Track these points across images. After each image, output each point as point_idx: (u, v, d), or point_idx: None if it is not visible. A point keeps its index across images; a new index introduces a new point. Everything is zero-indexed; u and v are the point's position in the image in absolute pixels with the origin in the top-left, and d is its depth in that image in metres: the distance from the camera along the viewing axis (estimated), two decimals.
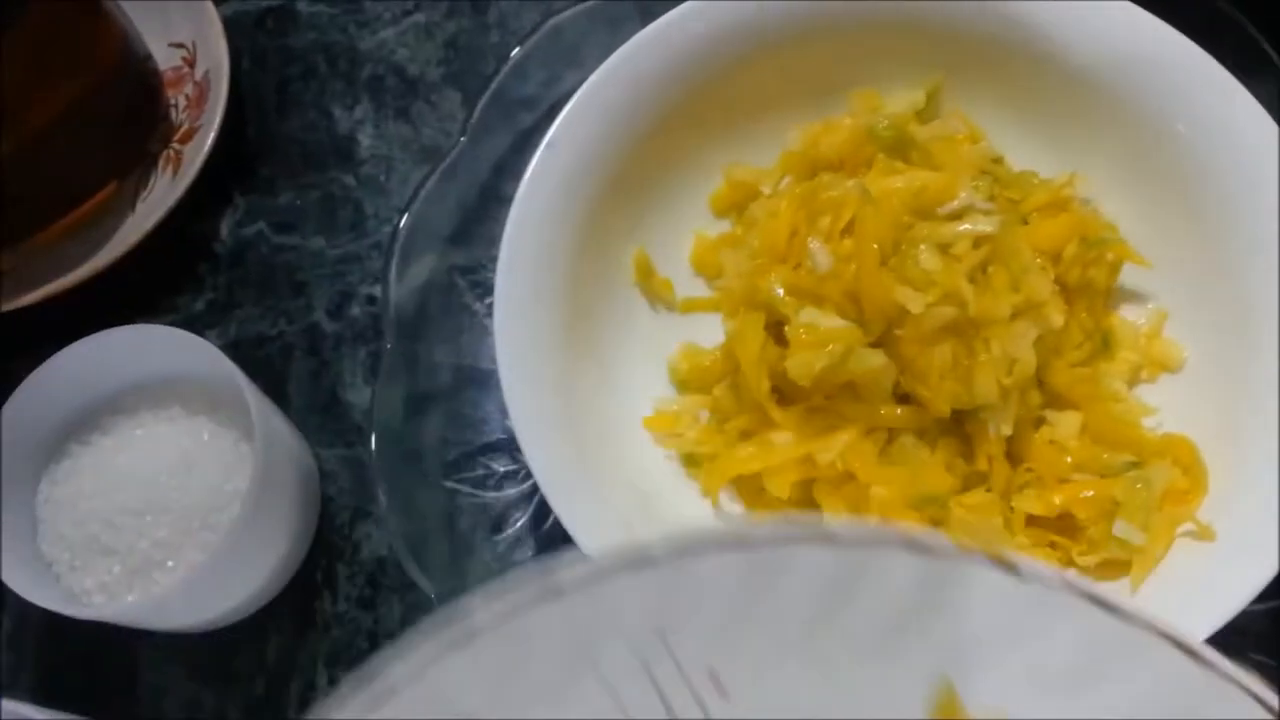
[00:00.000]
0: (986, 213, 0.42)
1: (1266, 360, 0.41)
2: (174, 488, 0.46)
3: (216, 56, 0.56)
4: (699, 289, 0.49)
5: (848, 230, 0.42)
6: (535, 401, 0.42)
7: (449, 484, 0.47)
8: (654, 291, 0.48)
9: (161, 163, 0.56)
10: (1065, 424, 0.42)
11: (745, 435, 0.43)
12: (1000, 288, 0.41)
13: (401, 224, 0.49)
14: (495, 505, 0.47)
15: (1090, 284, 0.44)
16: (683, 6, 0.46)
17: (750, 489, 0.44)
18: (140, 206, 0.55)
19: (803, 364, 0.40)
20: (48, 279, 0.52)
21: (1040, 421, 0.43)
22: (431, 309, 0.49)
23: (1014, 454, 0.42)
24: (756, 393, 0.42)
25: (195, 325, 0.54)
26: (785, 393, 0.43)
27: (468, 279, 0.50)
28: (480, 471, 0.48)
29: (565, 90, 0.47)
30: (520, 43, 0.51)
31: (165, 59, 0.59)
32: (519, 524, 0.47)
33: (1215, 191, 0.43)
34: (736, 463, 0.43)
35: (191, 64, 0.58)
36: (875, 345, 0.41)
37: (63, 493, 0.47)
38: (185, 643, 0.48)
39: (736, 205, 0.49)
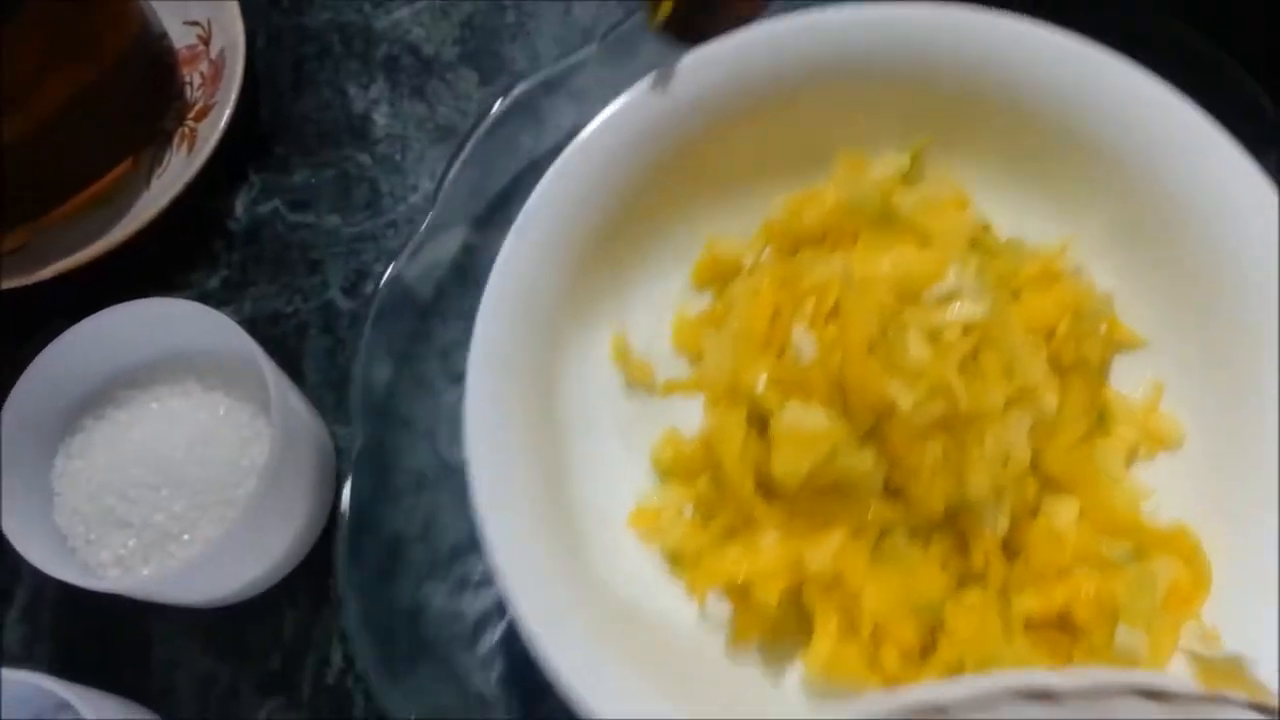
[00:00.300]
0: (976, 294, 0.40)
1: (1268, 435, 0.39)
2: (190, 462, 0.46)
3: (232, 34, 0.57)
4: (682, 367, 0.47)
5: (833, 314, 0.40)
6: (505, 501, 0.40)
7: (424, 589, 0.45)
8: (633, 375, 0.46)
9: (176, 140, 0.57)
10: (1063, 512, 0.41)
11: (731, 533, 0.42)
12: (992, 376, 0.39)
13: (374, 304, 0.48)
14: (472, 614, 0.45)
15: (1085, 360, 0.42)
16: (652, 76, 0.44)
17: (738, 590, 0.42)
18: (155, 183, 0.56)
19: (788, 466, 0.38)
20: (63, 255, 0.53)
21: (1037, 510, 0.41)
22: (405, 394, 0.48)
23: (1011, 545, 0.41)
24: (740, 491, 0.40)
25: (210, 302, 0.53)
26: (771, 486, 0.41)
27: (442, 364, 0.48)
28: (457, 574, 0.46)
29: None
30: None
31: (180, 36, 0.59)
32: (499, 633, 0.45)
33: (1212, 256, 0.41)
34: (723, 567, 0.41)
35: (207, 42, 0.59)
36: (865, 437, 0.39)
37: (78, 466, 0.47)
38: (200, 617, 0.48)
39: (719, 278, 0.47)
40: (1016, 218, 0.45)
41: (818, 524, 0.40)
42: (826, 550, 0.39)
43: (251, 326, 0.53)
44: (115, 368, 0.48)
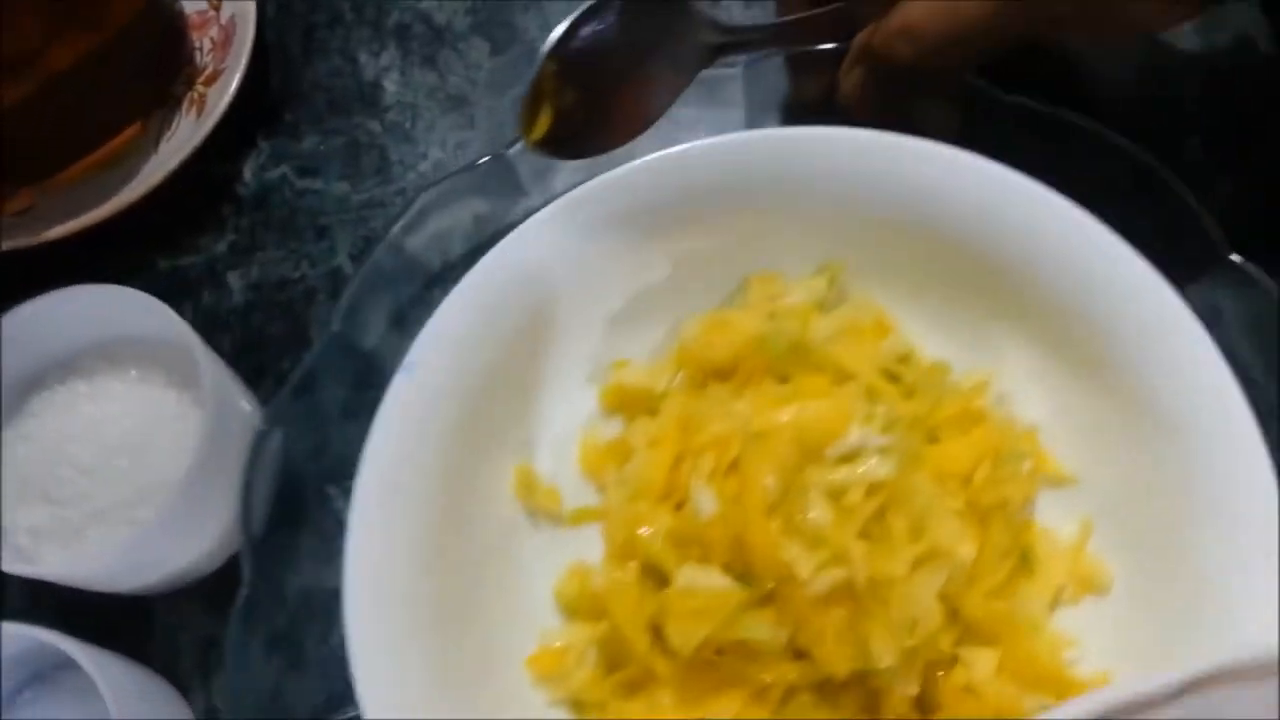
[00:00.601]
0: (882, 450, 0.38)
1: (1195, 578, 0.37)
2: (124, 449, 0.46)
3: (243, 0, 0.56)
4: (593, 494, 0.45)
5: (734, 467, 0.38)
6: (386, 647, 0.38)
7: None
8: (539, 506, 0.44)
9: (185, 105, 0.57)
10: (981, 664, 0.39)
11: (634, 687, 0.40)
12: (898, 538, 0.37)
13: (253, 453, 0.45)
14: None
15: (1006, 502, 0.40)
16: (552, 206, 0.43)
17: None
18: (163, 147, 0.55)
19: (682, 634, 0.37)
20: (69, 218, 0.53)
21: (954, 660, 0.39)
22: (294, 526, 0.45)
23: (925, 701, 0.39)
24: (638, 650, 0.39)
25: (217, 266, 0.55)
26: (672, 645, 0.39)
27: (340, 486, 0.45)
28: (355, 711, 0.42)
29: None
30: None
31: (191, 2, 0.59)
32: None
33: (1137, 392, 0.39)
34: None
35: (217, 7, 0.58)
36: (765, 600, 0.37)
37: (12, 449, 0.47)
38: (203, 581, 0.48)
39: (627, 405, 0.45)
40: (942, 341, 0.44)
41: (720, 682, 0.38)
42: (727, 711, 0.38)
43: (258, 292, 0.53)
44: (54, 353, 0.48)
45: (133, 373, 0.48)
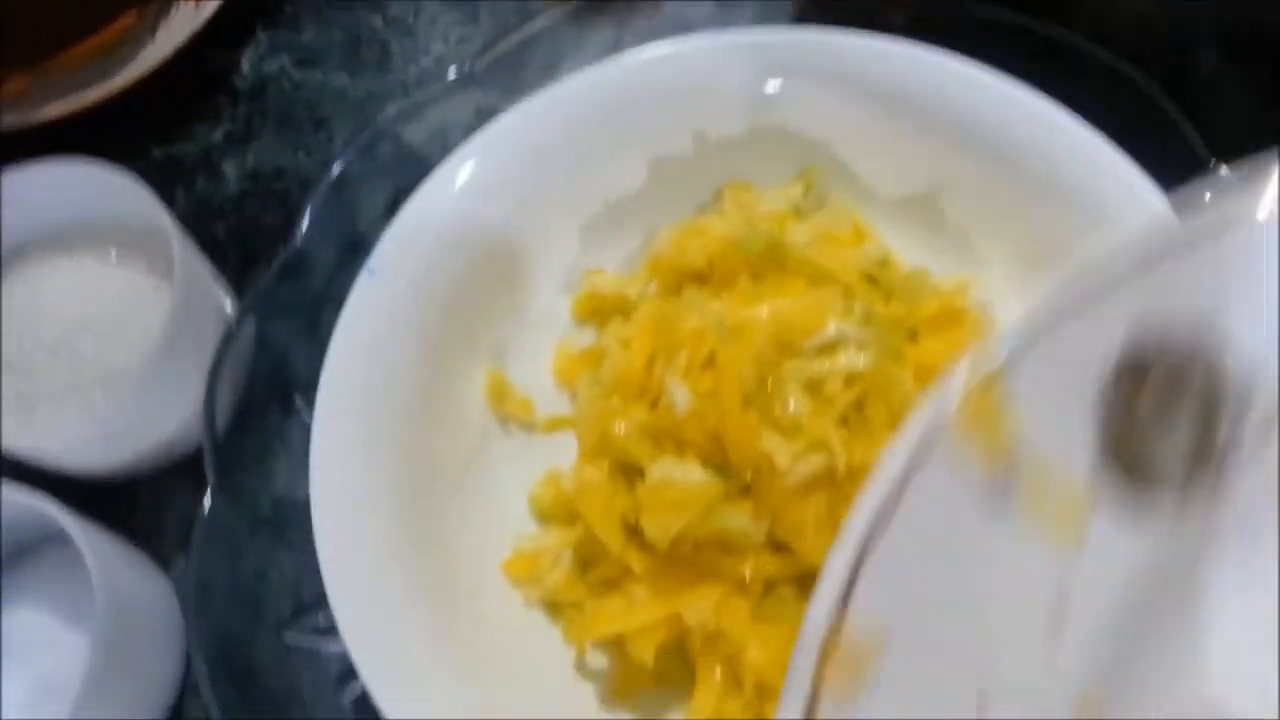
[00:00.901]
0: (860, 343, 0.38)
1: None
2: (91, 330, 0.45)
3: None
4: (566, 402, 0.44)
5: (709, 363, 0.38)
6: (355, 553, 0.38)
7: (290, 635, 0.43)
8: (511, 414, 0.44)
9: None
10: None
11: (610, 584, 0.40)
12: (878, 427, 0.37)
13: (229, 335, 0.45)
14: (340, 659, 0.41)
15: None
16: (532, 99, 0.43)
17: (617, 646, 0.40)
18: (160, 35, 0.54)
19: (658, 526, 0.36)
20: (65, 99, 0.52)
21: None
22: (270, 433, 0.45)
23: None
24: (612, 547, 0.38)
25: (212, 155, 0.54)
26: (648, 538, 0.38)
27: (308, 397, 0.44)
28: (322, 621, 0.42)
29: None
30: None
31: None
32: None
33: None
34: (599, 622, 0.39)
35: None
36: (743, 493, 0.37)
37: None
38: (190, 460, 0.47)
39: (600, 314, 0.45)
40: (920, 251, 0.43)
41: (697, 577, 0.38)
42: (705, 604, 0.37)
43: (253, 181, 0.53)
44: (34, 227, 0.47)
45: (113, 254, 0.47)
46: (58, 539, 0.42)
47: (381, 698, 0.36)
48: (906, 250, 0.44)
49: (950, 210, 0.44)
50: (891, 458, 0.28)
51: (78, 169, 0.45)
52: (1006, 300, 0.42)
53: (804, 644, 0.26)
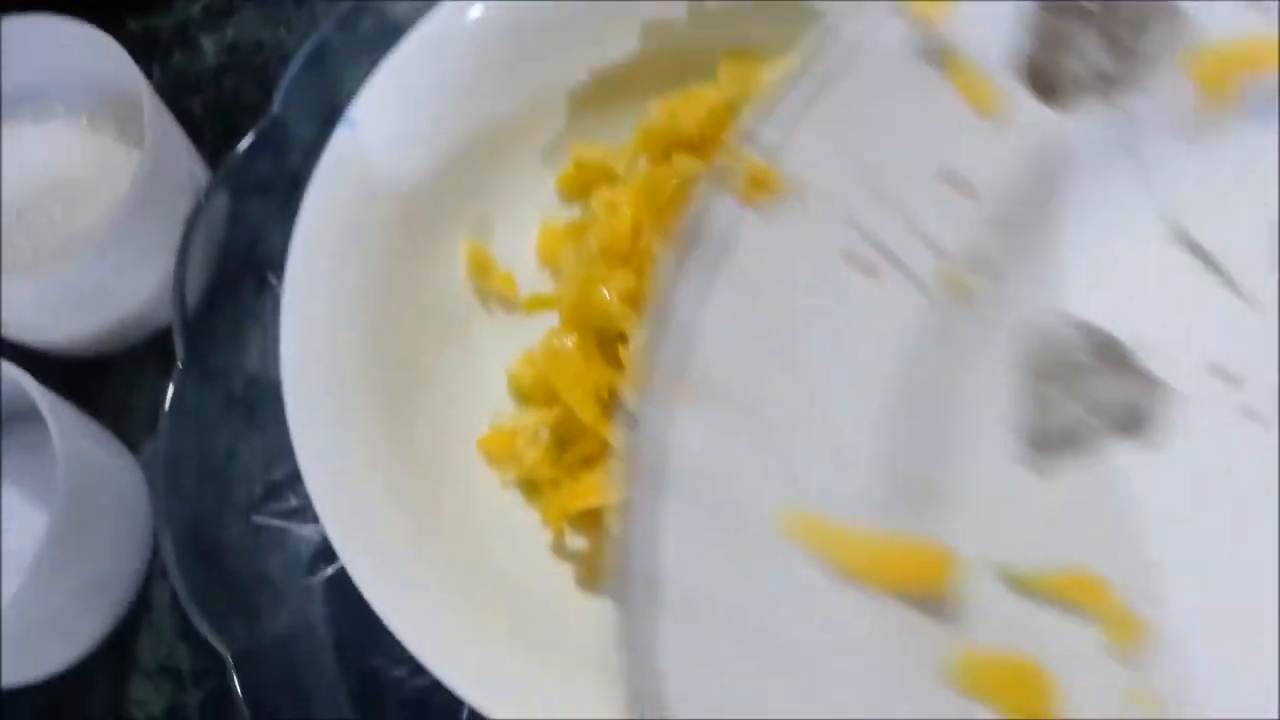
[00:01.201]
0: None
1: None
2: (60, 196, 0.45)
3: None
4: (549, 283, 0.43)
5: None
6: (330, 436, 0.37)
7: (259, 517, 0.42)
8: (493, 290, 0.43)
9: None
10: None
11: (588, 462, 0.38)
12: None
13: (199, 207, 0.43)
14: (310, 541, 0.42)
15: None
16: None
17: (594, 522, 0.39)
18: None
19: None
20: None
21: None
22: (243, 310, 0.44)
23: None
24: (585, 418, 0.37)
25: (190, 29, 0.52)
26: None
27: (282, 273, 0.43)
28: (295, 502, 0.42)
29: None
30: None
31: None
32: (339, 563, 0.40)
33: None
34: (576, 496, 0.38)
35: None
36: None
37: None
38: (159, 335, 0.47)
39: (587, 189, 0.43)
40: None
41: None
42: None
43: (232, 54, 0.52)
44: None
45: (83, 120, 0.46)
46: (26, 416, 0.41)
47: (358, 576, 0.35)
48: None
49: None
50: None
51: (52, 25, 0.43)
52: None
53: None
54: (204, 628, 0.38)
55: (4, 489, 0.44)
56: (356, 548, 0.35)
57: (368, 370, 0.38)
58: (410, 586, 0.35)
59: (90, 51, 0.43)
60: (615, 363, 0.38)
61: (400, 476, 0.37)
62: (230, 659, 0.38)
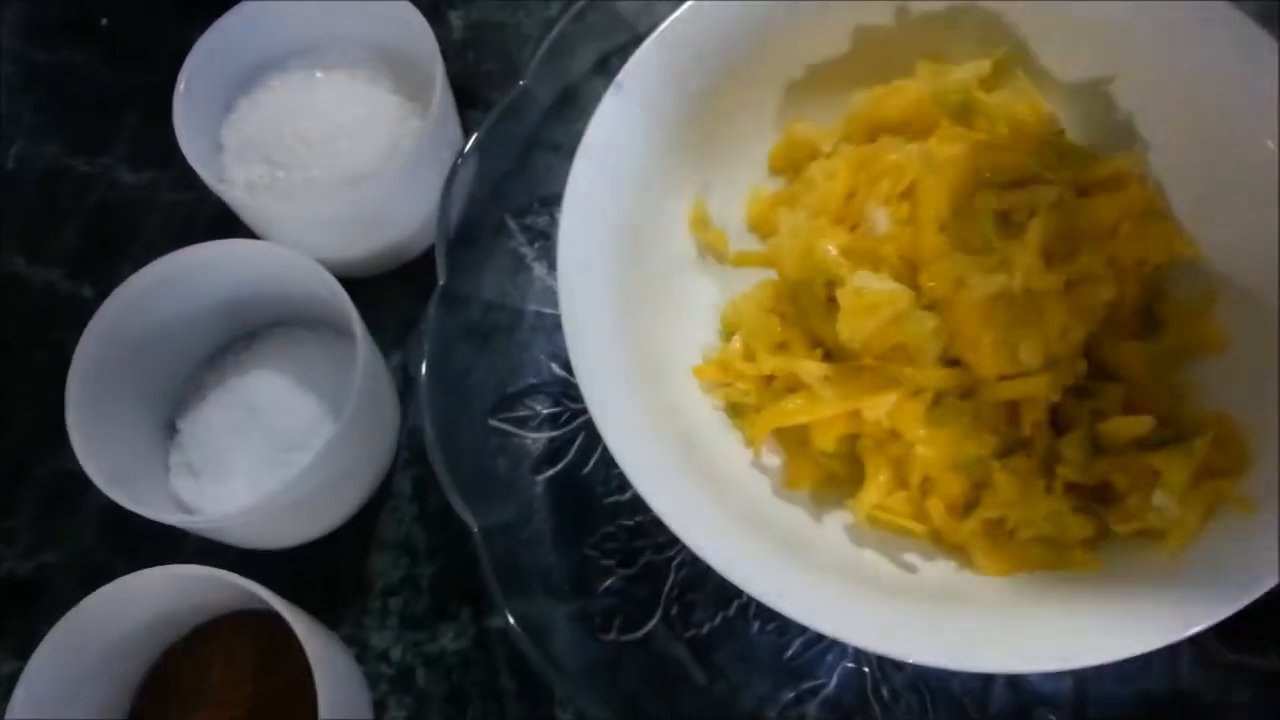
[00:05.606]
0: (1047, 183, 0.42)
1: None
2: (347, 133, 0.51)
3: None
4: (752, 245, 0.49)
5: (907, 194, 0.41)
6: (595, 342, 0.42)
7: (493, 423, 0.49)
8: (708, 243, 0.48)
9: None
10: (1109, 395, 0.42)
11: (791, 389, 0.43)
12: (1056, 258, 0.40)
13: (460, 161, 0.50)
14: (536, 446, 0.49)
15: (1143, 262, 0.44)
16: None
17: (793, 441, 0.44)
18: None
19: (853, 327, 0.40)
20: None
21: (1085, 392, 0.43)
22: (483, 249, 0.51)
23: (1058, 422, 0.43)
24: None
25: (440, 5, 0.59)
26: (835, 353, 0.43)
27: (518, 221, 0.52)
28: (523, 412, 0.49)
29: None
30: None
31: None
32: (561, 465, 0.49)
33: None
34: (783, 414, 0.43)
35: None
36: (929, 307, 0.41)
37: (244, 114, 0.53)
38: (405, 271, 0.54)
39: (794, 163, 0.49)
40: (1089, 136, 0.47)
41: (878, 385, 0.42)
42: (884, 405, 0.41)
43: (476, 31, 0.59)
44: (296, 41, 0.53)
45: (362, 74, 0.53)
46: (281, 327, 0.49)
47: (611, 442, 0.40)
48: (1076, 134, 0.47)
49: (1120, 97, 0.47)
50: None
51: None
52: (1167, 183, 0.45)
53: None
54: (457, 504, 0.45)
55: (281, 376, 0.50)
56: (608, 419, 0.40)
57: (618, 300, 0.43)
58: (647, 465, 0.40)
59: (387, 17, 0.51)
60: (816, 310, 0.43)
61: (638, 384, 0.42)
62: (478, 532, 0.44)
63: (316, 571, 0.50)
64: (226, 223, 0.53)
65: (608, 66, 0.52)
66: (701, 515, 0.39)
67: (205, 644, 0.46)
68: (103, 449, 0.45)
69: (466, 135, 0.51)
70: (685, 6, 0.46)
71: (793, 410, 0.43)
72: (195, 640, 0.46)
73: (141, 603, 0.43)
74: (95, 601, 0.41)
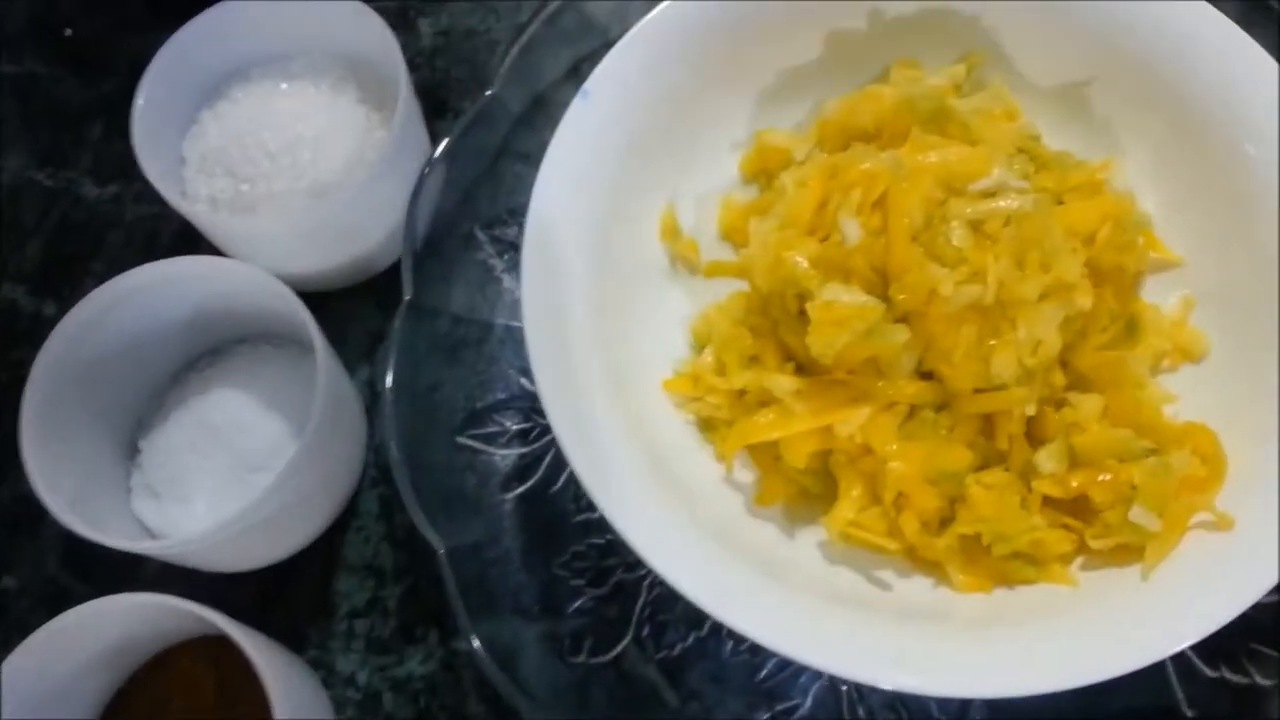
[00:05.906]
0: (1020, 191, 0.41)
1: None
2: (310, 145, 0.50)
3: None
4: (726, 254, 0.48)
5: (879, 204, 0.41)
6: (557, 356, 0.41)
7: (461, 440, 0.48)
8: (679, 253, 0.47)
9: None
10: (1087, 407, 0.41)
11: (763, 404, 0.43)
12: (1030, 268, 0.40)
13: (427, 171, 0.49)
14: (505, 463, 0.48)
15: (1120, 269, 0.43)
16: None
17: (765, 457, 0.43)
18: None
19: (824, 340, 0.39)
20: None
21: (1062, 403, 0.42)
22: (451, 262, 0.50)
23: (1034, 435, 0.42)
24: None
25: (409, 13, 0.58)
26: (807, 366, 0.42)
27: (487, 233, 0.51)
28: (492, 429, 0.48)
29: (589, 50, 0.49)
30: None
31: None
32: (531, 482, 0.48)
33: (1250, 182, 0.42)
34: (754, 429, 0.42)
35: None
36: (901, 319, 0.40)
37: (205, 127, 0.52)
38: (372, 285, 0.53)
39: (766, 171, 0.48)
40: (1066, 139, 0.46)
41: (850, 399, 0.41)
42: (856, 420, 0.40)
43: (445, 38, 0.58)
44: (259, 51, 0.52)
45: (326, 84, 0.52)
46: (245, 342, 0.48)
47: (576, 463, 0.39)
48: (1052, 138, 0.46)
49: (1096, 102, 0.47)
50: None
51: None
52: (1141, 187, 0.45)
53: None
54: (422, 525, 0.44)
55: (244, 395, 0.49)
56: (572, 437, 0.39)
57: (584, 312, 0.43)
58: (624, 494, 0.39)
59: (352, 25, 0.50)
60: (787, 323, 0.42)
61: (604, 399, 0.42)
62: (444, 553, 0.43)
63: (282, 594, 0.49)
64: (191, 238, 0.52)
65: (580, 73, 0.50)
66: (670, 537, 0.39)
67: (166, 672, 0.45)
68: (60, 473, 0.43)
69: (435, 145, 0.50)
70: (654, 11, 0.45)
71: (764, 426, 0.42)
72: (156, 668, 0.45)
73: (97, 633, 0.41)
74: (44, 635, 0.40)
